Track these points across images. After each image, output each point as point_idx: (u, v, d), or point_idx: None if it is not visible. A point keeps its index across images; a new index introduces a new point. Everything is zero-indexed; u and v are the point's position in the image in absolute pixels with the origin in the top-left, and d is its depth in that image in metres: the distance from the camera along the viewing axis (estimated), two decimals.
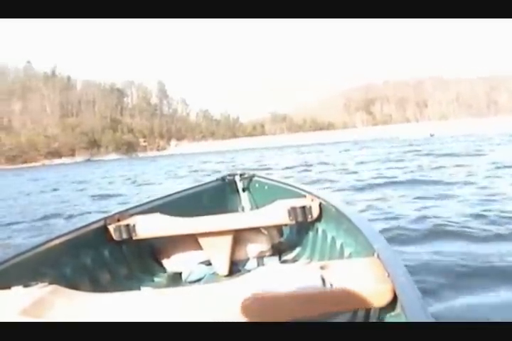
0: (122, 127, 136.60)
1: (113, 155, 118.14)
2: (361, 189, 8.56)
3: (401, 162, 15.35)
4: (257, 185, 4.19)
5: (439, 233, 4.26)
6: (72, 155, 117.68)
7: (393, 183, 8.93)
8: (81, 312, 1.48)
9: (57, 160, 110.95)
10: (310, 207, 2.82)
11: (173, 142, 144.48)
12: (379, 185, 8.95)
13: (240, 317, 1.36)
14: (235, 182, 4.26)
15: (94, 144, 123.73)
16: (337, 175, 12.33)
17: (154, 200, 3.38)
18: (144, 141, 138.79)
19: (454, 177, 8.91)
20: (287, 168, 17.67)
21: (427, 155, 17.93)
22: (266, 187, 4.03)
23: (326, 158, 23.82)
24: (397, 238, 4.18)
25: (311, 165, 17.82)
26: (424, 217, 4.91)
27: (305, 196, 3.07)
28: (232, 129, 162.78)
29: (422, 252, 3.67)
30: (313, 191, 3.10)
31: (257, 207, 3.84)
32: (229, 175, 4.31)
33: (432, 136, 52.46)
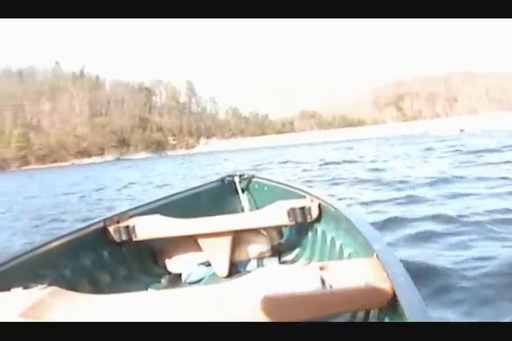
0: (151, 126, 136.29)
1: (142, 154, 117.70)
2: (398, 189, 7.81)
3: (440, 158, 14.49)
4: (256, 186, 4.18)
5: None
6: (102, 154, 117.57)
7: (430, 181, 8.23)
8: (81, 313, 1.49)
9: (86, 160, 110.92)
10: (309, 208, 2.84)
11: (202, 140, 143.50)
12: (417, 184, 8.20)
13: (239, 318, 1.36)
14: (235, 183, 4.24)
15: (123, 143, 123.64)
16: (366, 172, 11.67)
17: (153, 201, 3.38)
18: (173, 140, 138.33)
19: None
20: (325, 163, 17.17)
21: (456, 151, 16.71)
22: (265, 188, 4.04)
23: (355, 154, 22.93)
24: None
25: (338, 163, 16.86)
26: None
27: (304, 197, 3.08)
28: (261, 127, 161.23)
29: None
30: (312, 192, 3.11)
31: (257, 208, 3.83)
32: (228, 175, 4.30)
33: (462, 131, 49.93)
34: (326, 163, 17.23)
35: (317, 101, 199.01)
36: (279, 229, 3.50)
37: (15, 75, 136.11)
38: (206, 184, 4.16)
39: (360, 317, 1.68)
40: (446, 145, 21.42)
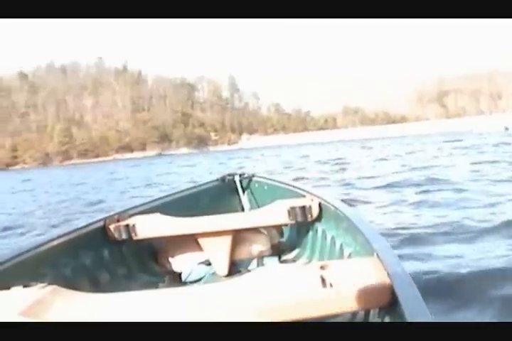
0: (193, 121, 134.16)
1: (184, 150, 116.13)
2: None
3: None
4: (256, 185, 4.21)
5: None
6: (143, 149, 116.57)
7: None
8: (81, 312, 1.49)
9: (128, 155, 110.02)
10: (310, 207, 2.86)
11: (244, 136, 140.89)
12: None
13: (239, 317, 1.36)
14: (235, 183, 4.26)
15: (165, 138, 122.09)
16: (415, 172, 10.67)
17: (154, 200, 3.40)
18: (215, 135, 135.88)
19: None
20: (379, 159, 16.72)
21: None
22: (265, 187, 4.07)
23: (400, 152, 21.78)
24: None
25: (385, 160, 16.49)
26: None
27: (304, 196, 3.09)
28: (303, 123, 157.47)
29: None
30: (312, 191, 3.14)
31: (257, 207, 3.84)
32: (228, 175, 4.30)
33: (507, 129, 46.45)
34: (378, 160, 16.73)
35: (360, 97, 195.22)
36: (279, 228, 3.51)
37: (58, 71, 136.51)
38: (206, 183, 4.16)
39: (360, 316, 1.68)
40: (490, 144, 20.56)
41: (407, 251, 3.77)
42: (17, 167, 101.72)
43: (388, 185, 8.56)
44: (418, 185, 8.11)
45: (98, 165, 64.09)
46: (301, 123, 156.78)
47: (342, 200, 2.84)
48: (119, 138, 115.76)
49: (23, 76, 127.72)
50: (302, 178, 11.48)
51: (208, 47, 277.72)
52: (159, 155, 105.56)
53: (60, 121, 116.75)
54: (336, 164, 16.47)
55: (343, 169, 14.13)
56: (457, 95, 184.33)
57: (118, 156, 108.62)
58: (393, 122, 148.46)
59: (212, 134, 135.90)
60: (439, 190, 7.21)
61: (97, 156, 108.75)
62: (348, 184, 9.55)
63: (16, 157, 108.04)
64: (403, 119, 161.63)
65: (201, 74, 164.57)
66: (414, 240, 4.13)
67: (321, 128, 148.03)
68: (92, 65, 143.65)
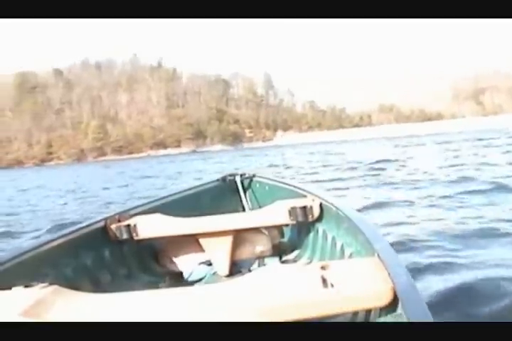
0: (228, 118, 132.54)
1: (218, 146, 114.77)
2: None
3: None
4: (257, 185, 4.21)
5: None
6: (178, 146, 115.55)
7: None
8: (82, 312, 1.50)
9: (162, 151, 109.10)
10: (311, 207, 2.85)
11: (279, 133, 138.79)
12: None
13: (240, 318, 1.37)
14: (236, 183, 4.26)
15: (199, 135, 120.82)
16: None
17: (155, 200, 3.40)
18: (250, 132, 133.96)
19: None
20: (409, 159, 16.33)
21: None
22: (266, 187, 4.07)
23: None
24: None
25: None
26: None
27: (305, 196, 3.09)
28: (338, 120, 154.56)
29: None
30: (313, 191, 3.14)
31: (258, 207, 3.85)
32: (229, 175, 4.31)
33: None
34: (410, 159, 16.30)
35: (395, 94, 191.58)
36: (280, 229, 3.51)
37: (93, 67, 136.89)
38: (207, 183, 4.14)
39: (361, 317, 1.69)
40: None
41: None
42: (51, 163, 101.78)
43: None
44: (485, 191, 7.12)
45: (131, 161, 64.14)
46: (336, 120, 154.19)
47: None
48: (153, 135, 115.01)
49: (58, 72, 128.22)
50: (340, 179, 10.97)
51: (243, 44, 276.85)
52: (193, 152, 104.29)
53: (95, 117, 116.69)
54: (388, 161, 15.88)
55: (401, 167, 13.35)
56: (493, 93, 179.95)
57: (152, 153, 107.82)
58: (429, 119, 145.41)
59: (247, 131, 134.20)
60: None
61: (131, 153, 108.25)
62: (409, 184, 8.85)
63: (50, 153, 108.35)
64: (439, 117, 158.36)
65: (236, 70, 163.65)
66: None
67: (356, 125, 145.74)
68: (127, 62, 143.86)
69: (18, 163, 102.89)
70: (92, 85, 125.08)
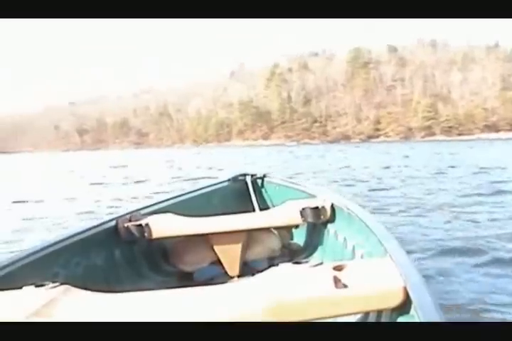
0: None
1: None
2: None
3: None
4: (268, 186, 4.23)
5: None
6: (511, 130, 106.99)
7: None
8: (92, 312, 1.50)
9: (493, 135, 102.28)
10: (322, 208, 2.88)
11: None
12: None
13: (250, 318, 1.37)
14: (246, 183, 4.24)
15: None
16: None
17: (165, 200, 3.41)
18: None
19: None
20: None
21: None
22: (277, 187, 4.08)
23: None
24: None
25: None
26: None
27: (317, 197, 3.11)
28: None
29: None
30: (325, 192, 3.18)
31: (269, 208, 3.82)
32: (240, 175, 4.30)
33: None
34: None
35: None
36: (290, 229, 3.53)
37: (428, 45, 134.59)
38: (218, 183, 4.13)
39: (373, 317, 1.68)
40: None
41: None
42: (378, 140, 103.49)
43: None
44: None
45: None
46: None
47: None
48: (485, 117, 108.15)
49: (392, 49, 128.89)
50: None
51: None
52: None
53: (426, 95, 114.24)
54: None
55: None
56: None
57: (483, 136, 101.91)
58: None
59: None
60: None
61: (460, 134, 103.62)
62: None
63: (378, 129, 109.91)
64: None
65: None
66: None
67: None
68: (463, 41, 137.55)
69: (345, 138, 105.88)
70: (425, 63, 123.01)
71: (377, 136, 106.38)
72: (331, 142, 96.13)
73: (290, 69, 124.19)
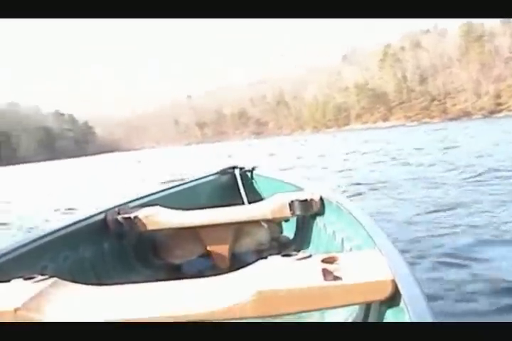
0: None
1: None
2: None
3: None
4: (257, 179, 4.24)
5: None
6: None
7: None
8: (81, 305, 1.48)
9: None
10: (311, 201, 2.85)
11: None
12: None
13: (239, 311, 1.36)
14: (235, 176, 4.27)
15: None
16: None
17: (154, 193, 3.43)
18: None
19: None
20: None
21: None
22: (266, 180, 4.09)
23: None
24: None
25: None
26: None
27: (305, 190, 3.10)
28: None
29: None
30: (313, 185, 3.22)
31: (257, 201, 3.68)
32: (229, 168, 4.33)
33: None
34: None
35: None
36: (279, 222, 3.53)
37: None
38: (207, 176, 4.17)
39: (361, 310, 1.66)
40: None
41: None
42: (500, 115, 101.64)
43: None
44: None
45: None
46: None
47: None
48: None
49: (505, 21, 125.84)
50: None
51: None
52: None
53: None
54: None
55: None
56: None
57: None
58: None
59: None
60: None
61: None
62: None
63: (499, 104, 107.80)
64: None
65: None
66: None
67: None
68: None
69: (466, 114, 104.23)
70: None
71: (500, 111, 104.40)
72: (451, 120, 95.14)
73: (403, 48, 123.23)
